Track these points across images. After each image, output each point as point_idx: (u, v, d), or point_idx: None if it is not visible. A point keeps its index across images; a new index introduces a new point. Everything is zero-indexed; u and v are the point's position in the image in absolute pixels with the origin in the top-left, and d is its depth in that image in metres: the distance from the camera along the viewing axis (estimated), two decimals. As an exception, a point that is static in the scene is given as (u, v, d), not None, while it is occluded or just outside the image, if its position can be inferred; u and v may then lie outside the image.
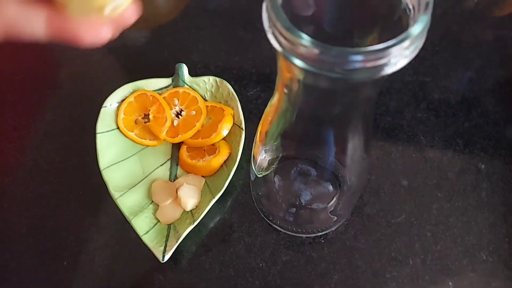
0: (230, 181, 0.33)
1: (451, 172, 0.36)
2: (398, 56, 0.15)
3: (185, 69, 0.39)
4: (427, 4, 0.16)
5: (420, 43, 0.16)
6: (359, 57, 0.15)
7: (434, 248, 0.33)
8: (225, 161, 0.36)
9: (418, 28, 0.15)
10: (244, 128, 0.36)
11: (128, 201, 0.34)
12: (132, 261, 0.33)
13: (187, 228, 0.32)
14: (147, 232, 0.32)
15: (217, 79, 0.39)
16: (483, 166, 0.37)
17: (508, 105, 0.40)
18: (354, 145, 0.25)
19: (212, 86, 0.39)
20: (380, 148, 0.38)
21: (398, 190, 0.36)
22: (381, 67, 0.16)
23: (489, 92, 0.41)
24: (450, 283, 0.32)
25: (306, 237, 0.34)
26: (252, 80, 0.42)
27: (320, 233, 0.33)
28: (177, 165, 0.37)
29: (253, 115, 0.39)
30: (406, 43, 0.15)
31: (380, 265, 0.33)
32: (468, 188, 0.36)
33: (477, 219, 0.34)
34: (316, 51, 0.15)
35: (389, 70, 0.16)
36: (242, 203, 0.35)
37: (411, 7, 0.17)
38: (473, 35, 0.46)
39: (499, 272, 0.32)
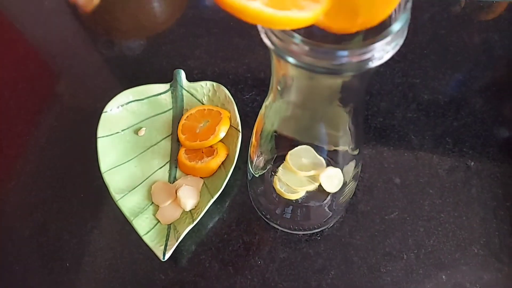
0: (228, 181, 0.35)
1: (442, 169, 0.38)
2: (381, 51, 0.17)
3: (183, 74, 0.41)
4: (406, 3, 0.17)
5: (401, 39, 0.17)
6: (345, 53, 0.16)
7: (427, 243, 0.34)
8: (222, 162, 0.37)
9: (398, 26, 0.17)
10: (240, 130, 0.37)
11: (128, 203, 0.35)
12: (133, 261, 0.34)
13: (186, 227, 0.33)
14: (148, 232, 0.33)
15: (214, 83, 0.40)
16: (472, 163, 0.38)
17: (495, 104, 0.42)
18: (345, 142, 0.26)
19: (209, 90, 0.40)
20: (373, 147, 0.39)
21: (391, 188, 0.37)
22: (366, 61, 0.17)
23: (476, 92, 0.43)
24: (443, 276, 0.33)
25: (303, 234, 0.35)
26: (248, 84, 0.43)
27: (317, 230, 0.34)
28: (176, 167, 0.38)
29: (249, 117, 0.40)
30: (387, 39, 0.16)
31: (375, 260, 0.33)
32: (459, 185, 0.37)
33: (468, 214, 0.35)
34: (306, 48, 0.17)
35: (373, 64, 0.17)
36: (240, 202, 0.36)
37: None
38: (460, 38, 0.47)
39: (490, 264, 0.33)
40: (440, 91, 0.43)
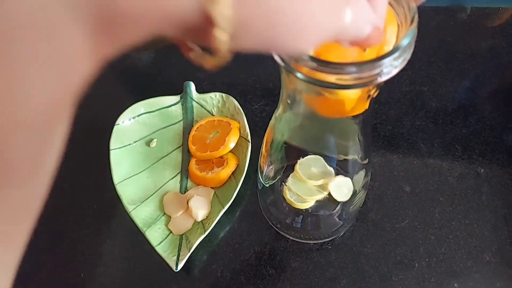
0: (238, 191, 0.35)
1: (451, 176, 0.38)
2: (389, 67, 0.17)
3: (192, 86, 0.41)
4: (412, 19, 0.17)
5: (408, 54, 0.18)
6: (353, 69, 0.17)
7: (438, 251, 0.34)
8: (233, 173, 0.37)
9: (406, 41, 0.17)
10: (250, 140, 0.38)
11: (141, 214, 0.35)
12: (146, 271, 0.35)
13: (198, 238, 0.33)
14: (160, 242, 0.34)
15: (223, 94, 0.41)
16: (482, 170, 0.38)
17: (504, 111, 0.42)
18: (355, 152, 0.26)
19: (219, 101, 0.41)
20: (382, 155, 0.39)
21: (401, 196, 0.37)
22: (375, 76, 0.17)
23: (484, 99, 0.43)
24: (456, 285, 0.33)
25: (314, 243, 0.35)
26: (257, 95, 0.44)
27: (327, 239, 0.34)
28: (187, 177, 0.38)
29: (258, 127, 0.41)
30: (396, 55, 0.17)
31: (386, 269, 0.34)
32: (469, 192, 0.37)
33: (479, 221, 0.35)
34: (314, 65, 0.17)
35: (381, 79, 0.17)
36: (250, 212, 0.37)
37: (399, 23, 0.18)
38: (467, 45, 0.48)
39: (503, 272, 0.33)
40: (448, 98, 0.43)
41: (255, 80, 0.45)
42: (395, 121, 0.41)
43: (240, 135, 0.39)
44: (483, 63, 0.46)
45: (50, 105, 0.10)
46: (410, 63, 0.50)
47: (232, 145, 0.38)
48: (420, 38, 0.51)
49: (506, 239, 0.34)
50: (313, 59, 0.17)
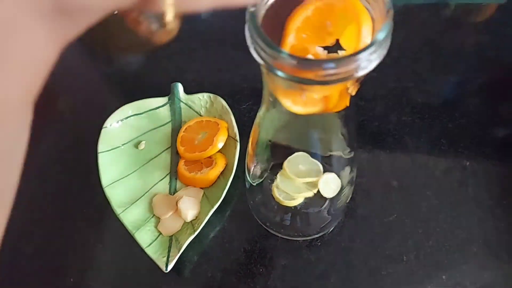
0: (228, 191, 0.35)
1: (438, 170, 0.38)
2: (366, 61, 0.17)
3: (180, 87, 0.42)
4: (388, 12, 0.18)
5: (385, 48, 0.18)
6: (332, 65, 0.17)
7: (426, 244, 0.34)
8: (222, 172, 0.37)
9: (382, 35, 0.17)
10: (238, 140, 0.38)
11: (130, 216, 0.35)
12: (137, 273, 0.35)
13: (188, 238, 0.33)
14: (150, 244, 0.34)
15: (211, 95, 0.41)
16: (468, 163, 0.38)
17: (489, 105, 0.42)
18: (339, 147, 0.27)
19: (207, 102, 0.41)
20: (369, 151, 0.39)
21: (389, 191, 0.37)
22: (352, 71, 0.17)
23: (470, 93, 0.44)
24: (444, 277, 0.33)
25: (303, 240, 0.35)
26: (245, 94, 0.44)
27: (316, 236, 0.35)
28: (176, 178, 0.38)
29: (246, 127, 0.41)
30: (372, 49, 0.17)
31: (375, 264, 0.34)
32: (455, 185, 0.37)
33: (466, 214, 0.36)
34: (293, 62, 0.17)
35: (359, 74, 0.18)
36: (240, 211, 0.37)
37: (375, 18, 0.19)
38: (452, 41, 0.48)
39: (490, 263, 0.33)
40: (434, 94, 0.43)
41: (242, 80, 0.45)
42: (381, 117, 0.42)
43: (228, 135, 0.39)
44: (468, 59, 0.47)
45: (11, 100, 0.10)
46: (395, 60, 0.51)
47: (220, 144, 0.38)
48: (406, 35, 0.52)
49: (492, 231, 0.35)
50: (292, 56, 0.17)
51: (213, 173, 0.37)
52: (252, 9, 0.18)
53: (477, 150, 0.39)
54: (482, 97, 0.43)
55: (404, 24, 0.50)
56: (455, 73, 0.46)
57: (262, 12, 0.19)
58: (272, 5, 0.19)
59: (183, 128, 0.40)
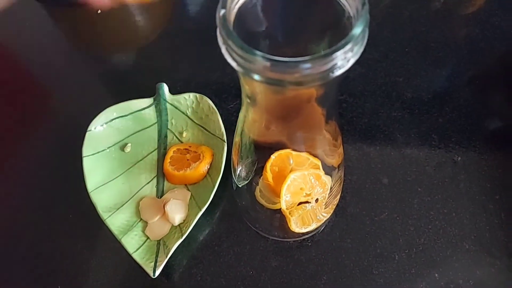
0: (216, 193, 0.34)
1: (429, 166, 0.38)
2: (343, 60, 0.17)
3: (165, 88, 0.41)
4: (363, 6, 0.17)
5: (362, 45, 0.17)
6: (307, 65, 0.16)
7: (418, 242, 0.34)
8: (209, 173, 0.37)
9: (357, 30, 0.17)
10: (226, 140, 0.37)
11: (117, 221, 0.34)
12: (125, 279, 0.34)
13: (176, 242, 0.32)
14: (137, 249, 0.33)
15: (197, 95, 0.40)
16: (459, 158, 0.38)
17: (479, 98, 0.42)
18: (323, 144, 0.26)
19: (193, 102, 0.40)
20: (359, 149, 0.39)
21: (379, 188, 0.37)
22: (330, 70, 0.17)
23: (460, 87, 0.43)
24: (436, 275, 0.33)
25: (293, 241, 0.34)
26: (232, 94, 0.43)
27: (307, 236, 0.34)
28: (163, 180, 0.38)
29: (234, 126, 0.40)
30: (348, 47, 0.16)
31: (367, 263, 0.33)
32: (447, 181, 0.37)
33: (458, 210, 0.35)
34: (267, 64, 0.16)
35: (337, 73, 0.17)
36: (229, 213, 0.36)
37: (352, 15, 0.18)
38: (441, 34, 0.47)
39: (483, 260, 0.33)
40: (424, 88, 0.43)
41: (230, 79, 0.45)
42: (371, 113, 0.41)
43: (215, 135, 0.38)
44: (457, 51, 0.46)
45: None
46: (384, 55, 0.50)
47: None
48: (394, 29, 0.51)
49: (484, 227, 0.34)
50: (267, 58, 0.16)
51: (202, 166, 0.36)
52: (222, 11, 0.17)
53: (468, 145, 0.39)
54: (472, 90, 0.43)
55: (392, 17, 0.49)
56: (444, 66, 0.45)
57: (233, 12, 0.18)
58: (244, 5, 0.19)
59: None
